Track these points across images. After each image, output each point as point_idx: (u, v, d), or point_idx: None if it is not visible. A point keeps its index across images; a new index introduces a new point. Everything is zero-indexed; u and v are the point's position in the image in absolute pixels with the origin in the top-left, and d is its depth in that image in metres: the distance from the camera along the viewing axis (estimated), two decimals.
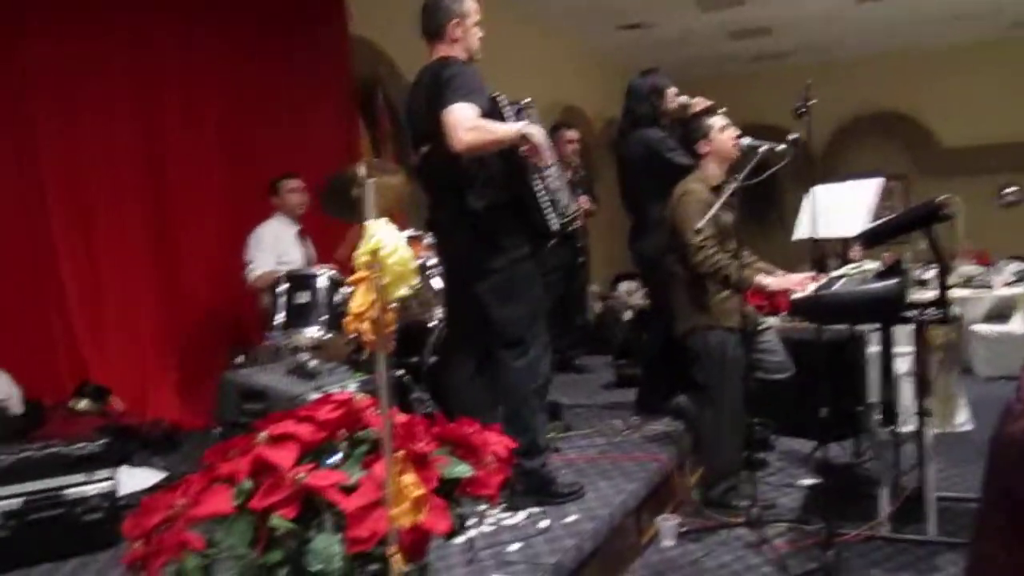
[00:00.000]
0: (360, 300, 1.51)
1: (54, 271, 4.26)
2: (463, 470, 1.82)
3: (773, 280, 3.72)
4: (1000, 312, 7.55)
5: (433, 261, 4.13)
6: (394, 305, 1.54)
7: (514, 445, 2.09)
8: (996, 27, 10.81)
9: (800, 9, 9.50)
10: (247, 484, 1.83)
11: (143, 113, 4.71)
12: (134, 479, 3.29)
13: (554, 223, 3.10)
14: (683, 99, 4.50)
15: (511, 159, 3.04)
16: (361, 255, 1.51)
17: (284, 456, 1.83)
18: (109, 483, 2.86)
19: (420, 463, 1.71)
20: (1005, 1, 9.72)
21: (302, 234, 5.01)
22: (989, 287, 7.86)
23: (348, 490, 1.77)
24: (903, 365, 3.79)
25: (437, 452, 1.82)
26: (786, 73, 11.77)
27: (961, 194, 3.46)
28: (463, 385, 3.30)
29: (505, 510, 3.07)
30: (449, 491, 1.80)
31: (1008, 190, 11.63)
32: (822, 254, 9.61)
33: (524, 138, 2.94)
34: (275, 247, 4.78)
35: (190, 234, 4.89)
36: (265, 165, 5.13)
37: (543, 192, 3.09)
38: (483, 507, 1.93)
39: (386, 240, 1.50)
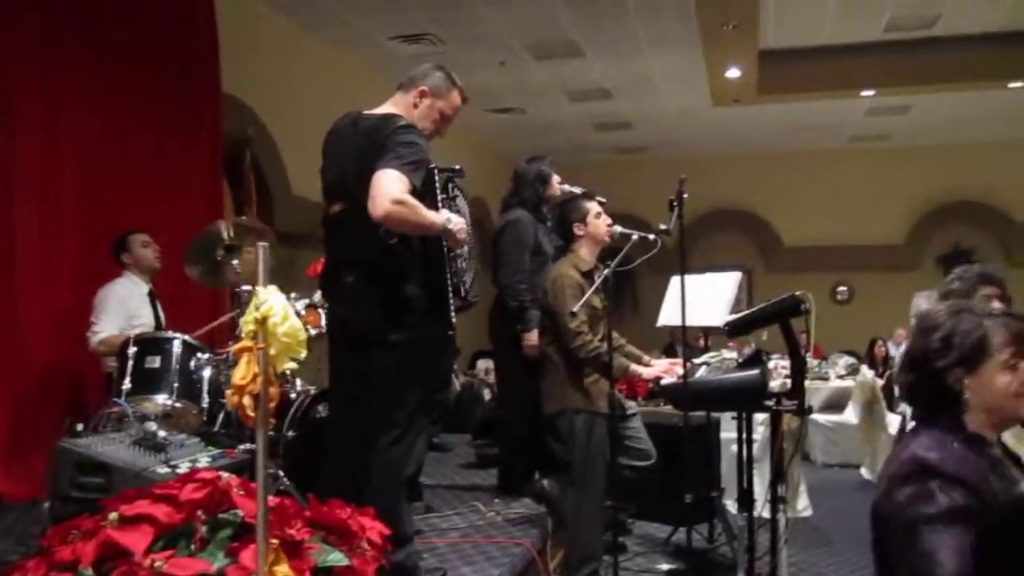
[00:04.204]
0: (243, 372, 1.40)
1: None
2: (337, 558, 1.70)
3: (646, 370, 3.80)
4: (835, 402, 8.03)
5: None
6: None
7: (388, 531, 1.99)
8: (838, 138, 11.80)
9: (659, 107, 10.06)
10: (91, 572, 1.65)
11: None
12: None
13: (454, 313, 2.99)
14: (566, 187, 4.58)
15: (428, 238, 2.92)
16: (247, 323, 1.41)
17: (137, 540, 1.66)
18: None
19: (293, 552, 1.58)
20: (846, 119, 10.65)
21: (153, 294, 4.70)
22: (825, 379, 8.36)
23: None
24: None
25: (310, 539, 1.70)
26: (644, 166, 12.39)
27: (799, 290, 3.64)
28: (336, 469, 3.08)
29: None
30: None
31: (840, 288, 12.57)
32: (671, 341, 10.01)
33: (447, 231, 2.84)
34: (123, 309, 4.45)
35: (34, 290, 4.51)
36: (122, 221, 4.82)
37: (450, 277, 2.97)
38: None
39: (276, 308, 1.40)
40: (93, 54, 4.92)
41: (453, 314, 3.01)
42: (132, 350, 3.80)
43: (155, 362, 3.79)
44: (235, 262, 3.94)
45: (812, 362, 8.36)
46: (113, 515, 1.71)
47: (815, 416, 7.69)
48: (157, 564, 1.52)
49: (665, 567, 4.32)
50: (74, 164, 4.80)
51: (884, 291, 11.92)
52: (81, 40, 4.85)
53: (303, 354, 1.46)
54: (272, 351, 1.41)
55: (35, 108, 4.57)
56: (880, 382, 7.60)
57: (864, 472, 7.07)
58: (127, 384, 3.72)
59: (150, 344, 3.86)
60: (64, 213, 4.74)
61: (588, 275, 3.86)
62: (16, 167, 4.46)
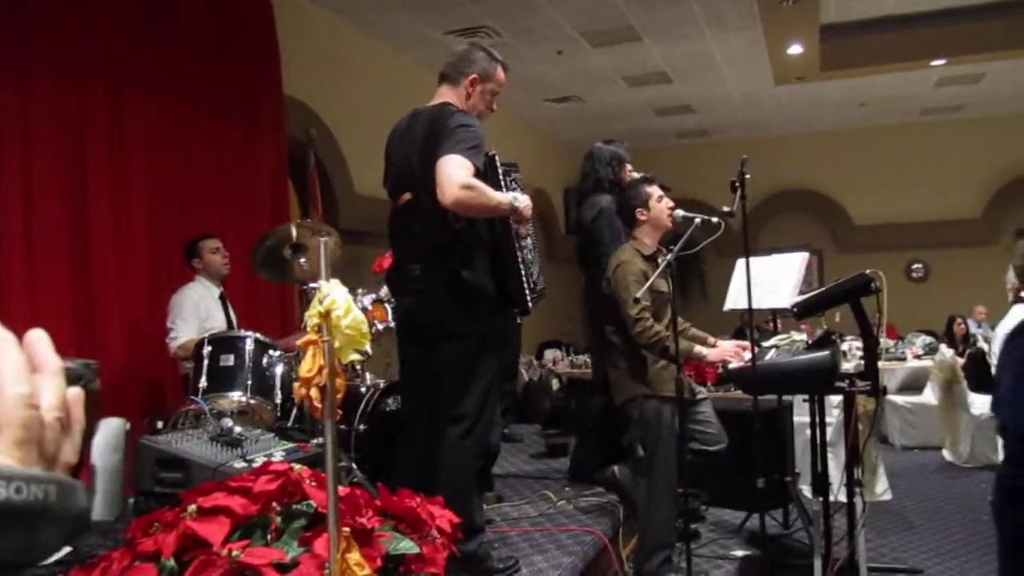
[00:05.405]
0: (309, 365, 1.42)
1: None
2: (408, 546, 1.73)
3: (711, 351, 3.74)
4: (913, 383, 7.80)
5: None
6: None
7: (458, 520, 2.01)
8: (908, 112, 11.43)
9: (720, 88, 9.88)
10: (172, 562, 1.70)
11: (67, 169, 4.48)
12: None
13: (528, 299, 3.01)
14: (635, 175, 4.54)
15: (495, 225, 2.95)
16: (311, 317, 1.43)
17: (215, 531, 1.71)
18: None
19: (364, 540, 1.61)
20: (916, 91, 10.31)
21: (224, 297, 4.82)
22: (902, 359, 8.13)
23: (284, 568, 1.66)
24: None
25: (380, 528, 1.72)
26: (708, 149, 12.22)
27: (871, 269, 3.56)
28: (407, 461, 3.12)
29: None
30: (393, 569, 1.70)
31: (915, 266, 12.19)
32: (741, 325, 9.90)
33: (515, 210, 2.86)
34: (197, 312, 4.57)
35: (110, 293, 4.66)
36: (191, 224, 4.96)
37: (521, 264, 2.99)
38: None
39: (339, 301, 1.42)
40: (156, 61, 5.03)
41: (531, 304, 3.03)
42: (207, 349, 3.90)
43: (229, 360, 3.88)
44: (302, 260, 4.02)
45: (887, 342, 8.14)
46: (192, 507, 1.76)
47: (893, 398, 7.49)
48: (235, 554, 1.56)
49: (740, 553, 4.27)
50: (142, 169, 4.92)
51: (961, 268, 11.55)
52: (144, 47, 4.96)
53: (367, 345, 1.48)
54: (336, 343, 1.44)
55: (103, 119, 4.70)
56: (960, 361, 7.35)
57: (946, 454, 6.86)
58: (203, 383, 3.82)
59: (224, 343, 3.96)
60: (135, 218, 4.87)
61: (651, 259, 3.82)
62: (88, 174, 4.60)
